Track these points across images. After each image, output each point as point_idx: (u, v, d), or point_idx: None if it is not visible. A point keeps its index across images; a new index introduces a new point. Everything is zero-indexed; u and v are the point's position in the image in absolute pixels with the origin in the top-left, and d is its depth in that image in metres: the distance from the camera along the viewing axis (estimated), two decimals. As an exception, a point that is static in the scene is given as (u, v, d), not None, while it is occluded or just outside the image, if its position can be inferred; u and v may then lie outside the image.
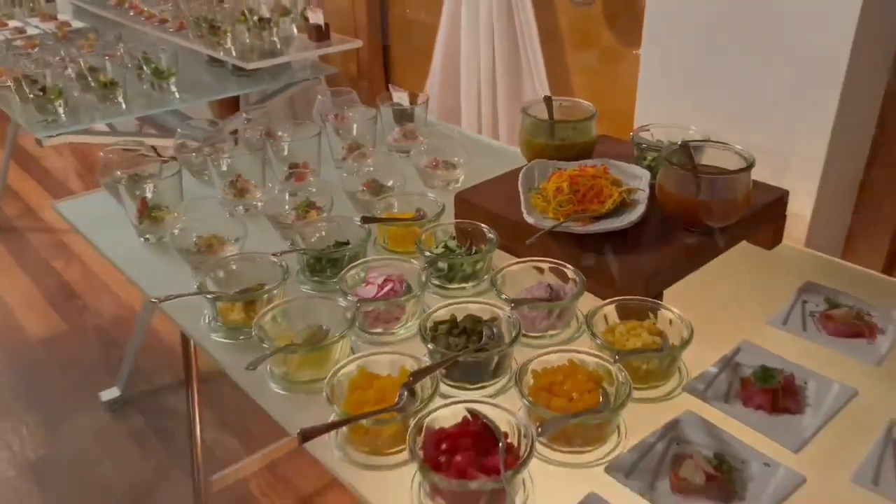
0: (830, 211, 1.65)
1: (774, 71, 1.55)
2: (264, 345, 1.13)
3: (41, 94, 2.46)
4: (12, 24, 3.63)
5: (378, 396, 1.02)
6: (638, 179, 1.43)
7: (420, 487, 0.95)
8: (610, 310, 1.18)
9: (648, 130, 1.59)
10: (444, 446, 0.92)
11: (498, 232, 1.37)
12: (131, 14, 3.59)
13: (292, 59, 3.04)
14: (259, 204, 1.66)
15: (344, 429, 1.02)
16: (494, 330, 1.14)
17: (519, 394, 1.01)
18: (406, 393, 1.01)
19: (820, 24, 1.46)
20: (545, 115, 1.61)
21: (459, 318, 1.16)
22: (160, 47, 2.85)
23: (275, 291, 1.26)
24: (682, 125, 1.57)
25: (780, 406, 1.05)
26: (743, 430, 1.03)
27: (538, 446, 0.97)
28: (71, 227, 1.69)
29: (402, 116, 1.98)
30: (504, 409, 0.97)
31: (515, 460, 0.91)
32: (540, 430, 0.96)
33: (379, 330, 1.24)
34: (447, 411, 0.97)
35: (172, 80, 2.77)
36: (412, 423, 0.95)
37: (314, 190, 1.62)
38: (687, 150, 1.32)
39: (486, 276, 1.35)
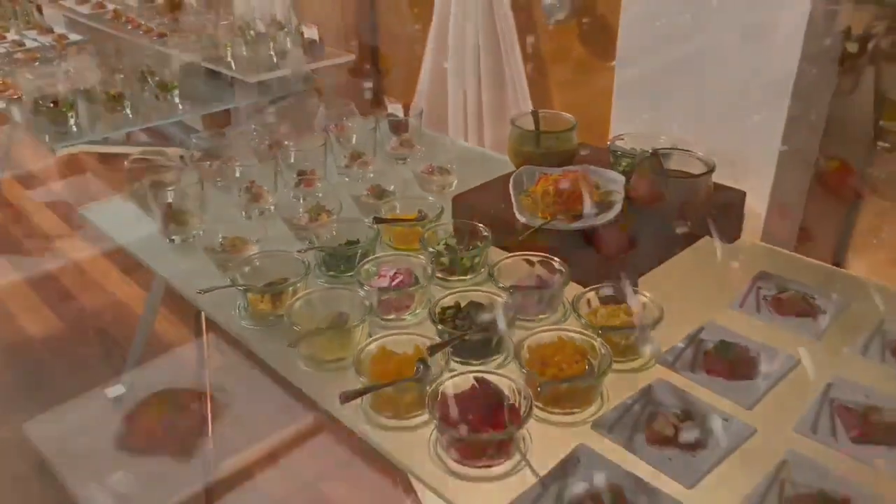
0: (783, 209, 1.86)
1: (733, 86, 1.75)
2: (296, 327, 1.30)
3: (53, 105, 2.60)
4: (10, 36, 3.73)
5: (397, 369, 1.20)
6: (614, 183, 1.62)
7: (437, 442, 1.13)
8: (592, 295, 1.37)
9: (623, 139, 1.79)
10: (458, 407, 1.10)
11: (491, 230, 1.56)
12: (129, 28, 3.73)
13: (289, 72, 3.21)
14: (272, 208, 1.83)
15: (368, 397, 1.19)
16: (494, 313, 1.32)
17: (518, 365, 1.19)
18: (422, 366, 1.19)
19: (769, 46, 1.66)
20: (531, 126, 1.80)
21: (463, 304, 1.35)
22: (164, 61, 3.00)
23: (298, 284, 1.44)
24: (652, 134, 1.76)
25: (736, 373, 1.25)
26: (706, 394, 1.22)
27: (535, 410, 1.15)
28: (94, 230, 1.84)
29: (399, 127, 2.16)
30: (506, 377, 1.15)
31: (518, 418, 1.09)
32: (540, 389, 1.14)
33: (392, 316, 1.41)
34: (458, 380, 1.16)
35: (175, 91, 2.93)
36: (429, 389, 1.13)
37: (321, 195, 1.80)
38: (657, 157, 1.52)
39: (482, 269, 1.53)
